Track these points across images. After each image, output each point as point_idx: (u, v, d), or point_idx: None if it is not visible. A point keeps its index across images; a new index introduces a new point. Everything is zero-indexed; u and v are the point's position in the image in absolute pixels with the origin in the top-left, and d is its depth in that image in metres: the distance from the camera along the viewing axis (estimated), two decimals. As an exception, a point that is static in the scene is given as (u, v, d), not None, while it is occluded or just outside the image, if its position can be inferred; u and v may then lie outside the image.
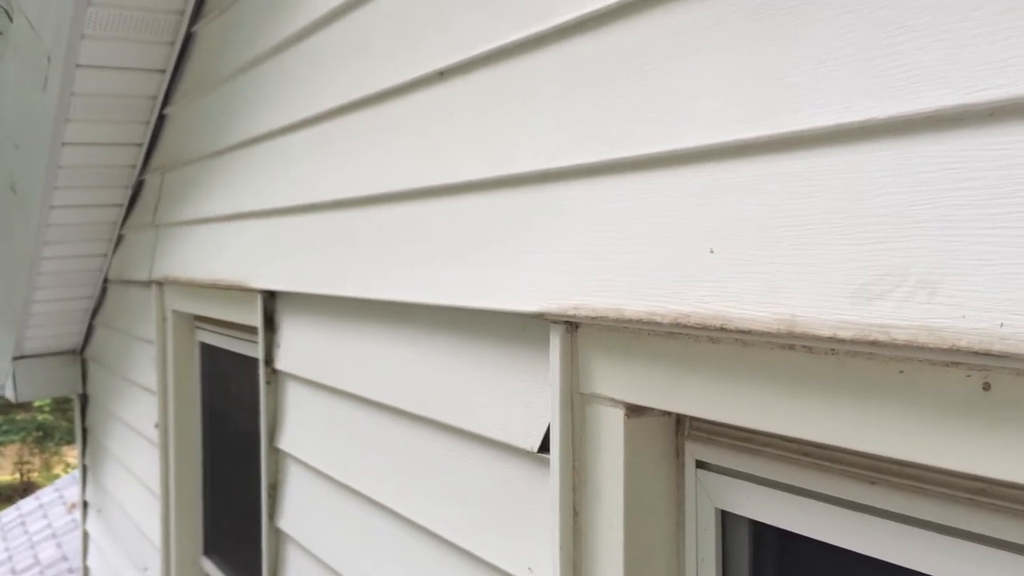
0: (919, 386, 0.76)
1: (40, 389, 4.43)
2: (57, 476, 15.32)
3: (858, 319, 0.77)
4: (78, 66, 2.62)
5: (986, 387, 0.72)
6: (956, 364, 0.73)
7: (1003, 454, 0.71)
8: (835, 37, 0.81)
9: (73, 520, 7.17)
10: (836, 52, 0.81)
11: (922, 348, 0.72)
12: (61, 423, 18.03)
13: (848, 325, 0.78)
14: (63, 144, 2.92)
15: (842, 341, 0.79)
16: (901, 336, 0.74)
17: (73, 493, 7.73)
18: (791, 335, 0.83)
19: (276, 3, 2.06)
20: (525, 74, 1.24)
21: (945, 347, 0.70)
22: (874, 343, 0.76)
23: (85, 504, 4.72)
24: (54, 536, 7.10)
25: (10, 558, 7.05)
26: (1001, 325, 0.67)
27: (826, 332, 0.80)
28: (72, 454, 17.52)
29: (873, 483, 0.90)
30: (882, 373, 0.79)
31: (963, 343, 0.69)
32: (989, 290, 0.68)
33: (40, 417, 18.14)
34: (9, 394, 4.40)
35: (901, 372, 0.78)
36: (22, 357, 4.26)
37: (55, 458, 18.77)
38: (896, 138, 0.76)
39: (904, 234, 0.74)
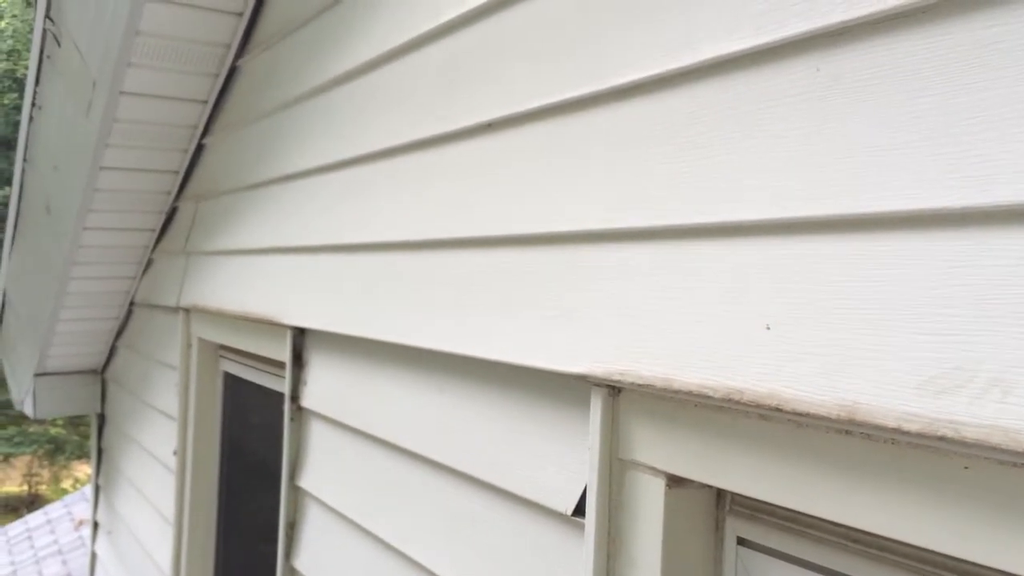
0: (984, 484, 0.74)
1: (59, 407, 4.44)
2: (65, 491, 15.32)
3: (925, 412, 0.75)
4: (122, 93, 2.65)
5: (1057, 491, 0.70)
6: (1025, 465, 0.71)
7: (1074, 563, 0.68)
8: (908, 120, 0.80)
9: (80, 537, 7.15)
10: (907, 136, 0.80)
11: (993, 448, 0.70)
12: (73, 437, 18.05)
13: (914, 417, 0.76)
14: (101, 168, 2.94)
15: (907, 433, 0.77)
16: (971, 434, 0.71)
17: (81, 510, 7.72)
18: (852, 422, 0.81)
19: (323, 43, 2.08)
20: (577, 132, 1.24)
21: (1019, 450, 0.68)
22: (941, 438, 0.74)
23: (96, 524, 4.70)
24: (60, 553, 7.07)
25: (15, 572, 7.02)
26: (1081, 432, 0.65)
27: (890, 423, 0.78)
28: (82, 469, 17.54)
29: (925, 577, 0.87)
30: (945, 467, 0.77)
31: (1039, 447, 0.67)
32: (1069, 394, 0.66)
33: (52, 431, 18.17)
34: (28, 410, 4.42)
35: (965, 468, 0.75)
36: (44, 374, 4.27)
37: (64, 472, 18.77)
38: (971, 229, 0.74)
39: (977, 328, 0.72)
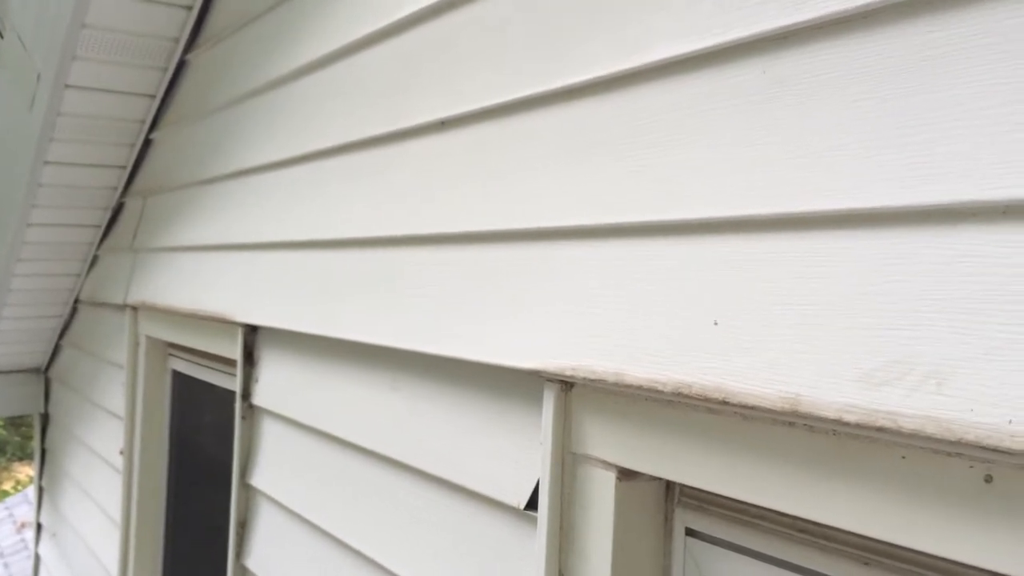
0: (920, 473, 0.77)
1: (1, 407, 4.33)
2: (7, 493, 14.92)
3: (864, 403, 0.78)
4: (67, 86, 2.60)
5: (988, 479, 0.73)
6: (959, 455, 0.74)
7: (1003, 547, 0.71)
8: (848, 122, 0.83)
9: (22, 540, 6.98)
10: (847, 137, 0.83)
11: (928, 438, 0.73)
12: (14, 438, 17.60)
13: (854, 409, 0.79)
14: (45, 163, 2.89)
15: (847, 424, 0.79)
16: (908, 424, 0.74)
17: (23, 512, 7.54)
18: (795, 414, 0.84)
19: (276, 39, 2.06)
20: (530, 131, 1.25)
21: (952, 439, 0.71)
22: (880, 429, 0.77)
23: (39, 526, 4.60)
24: (1, 556, 6.90)
25: (-46, 577, 6.84)
26: (1010, 422, 0.68)
27: (831, 414, 0.80)
28: (24, 471, 17.10)
29: (867, 564, 0.90)
30: (883, 457, 0.80)
31: (971, 437, 0.70)
32: (999, 385, 0.69)
33: (-8, 431, 17.69)
34: (-32, 410, 4.31)
35: (903, 458, 0.78)
36: (-16, 373, 4.18)
37: (5, 474, 18.29)
38: (907, 227, 0.77)
39: (913, 323, 0.75)
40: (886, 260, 0.78)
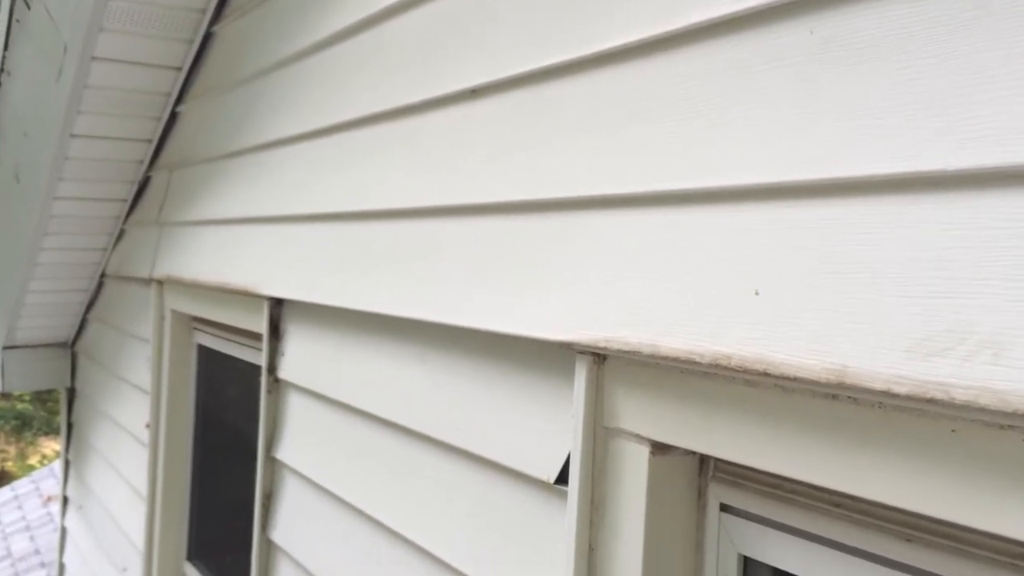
0: (971, 447, 0.74)
1: (28, 380, 4.37)
2: (32, 467, 15.13)
3: (915, 374, 0.75)
4: (94, 58, 2.60)
5: (1044, 453, 0.70)
6: (1012, 427, 0.71)
7: (1059, 523, 0.69)
8: (900, 83, 0.80)
9: (48, 513, 7.08)
10: (899, 99, 0.80)
11: (982, 410, 0.70)
12: (40, 413, 17.83)
13: (903, 380, 0.76)
14: (72, 136, 2.89)
15: (896, 396, 0.77)
16: (960, 396, 0.72)
17: (49, 486, 7.64)
18: (840, 385, 0.81)
19: (301, 10, 2.04)
20: (564, 98, 1.22)
21: (1008, 411, 0.68)
22: (930, 400, 0.74)
23: (65, 500, 4.65)
24: (28, 529, 7.00)
25: (-18, 548, 6.95)
26: (1071, 392, 0.65)
27: (879, 385, 0.78)
28: (49, 445, 17.34)
29: (909, 540, 0.87)
30: (932, 430, 0.77)
31: (1029, 408, 0.67)
32: (1060, 355, 0.66)
33: (19, 406, 17.94)
34: (-4, 383, 4.35)
35: (953, 431, 0.76)
36: (12, 347, 4.21)
37: (31, 448, 18.55)
38: (964, 191, 0.74)
39: (970, 290, 0.72)
40: (939, 225, 0.75)
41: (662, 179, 1.04)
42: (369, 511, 1.71)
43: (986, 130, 0.72)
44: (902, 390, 0.76)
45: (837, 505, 0.95)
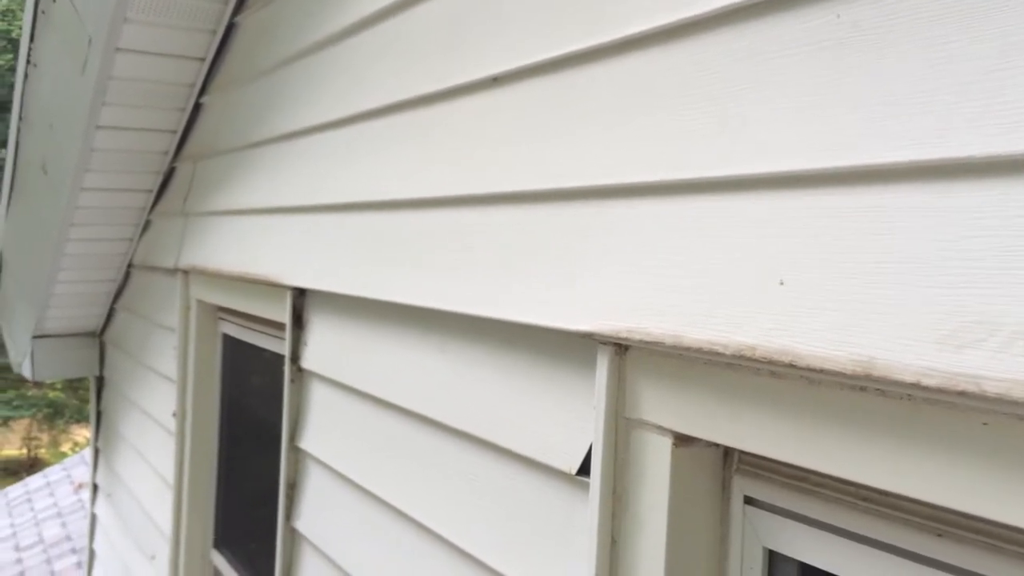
0: (1003, 440, 0.72)
1: (57, 369, 4.42)
2: (64, 454, 15.37)
3: (945, 366, 0.73)
4: (118, 50, 2.61)
5: (1079, 447, 0.68)
6: (1047, 421, 0.70)
7: (1095, 520, 0.67)
8: (930, 68, 0.77)
9: (79, 500, 7.18)
10: (929, 84, 0.77)
11: (1015, 403, 0.69)
12: (72, 401, 18.09)
13: (933, 372, 0.74)
14: (98, 127, 2.90)
15: (925, 388, 0.75)
16: (993, 388, 0.70)
17: (80, 473, 7.75)
18: (868, 377, 0.80)
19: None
20: (585, 86, 1.21)
21: (1042, 404, 0.66)
22: (961, 393, 0.72)
23: (95, 487, 4.71)
24: (59, 515, 7.11)
25: (14, 534, 7.07)
26: (1108, 386, 0.63)
27: (908, 378, 0.76)
28: (81, 433, 17.60)
29: (940, 535, 0.86)
30: (963, 423, 0.75)
31: (1064, 401, 0.65)
32: (1096, 347, 0.64)
33: (51, 394, 18.20)
34: (27, 372, 4.40)
35: (984, 424, 0.74)
36: (42, 336, 4.26)
37: (63, 435, 18.83)
38: (996, 178, 0.72)
39: (1001, 280, 0.70)
40: (970, 213, 0.73)
41: (686, 167, 1.03)
42: (392, 501, 1.71)
43: (1017, 115, 0.70)
44: (932, 382, 0.74)
45: (865, 499, 0.93)
